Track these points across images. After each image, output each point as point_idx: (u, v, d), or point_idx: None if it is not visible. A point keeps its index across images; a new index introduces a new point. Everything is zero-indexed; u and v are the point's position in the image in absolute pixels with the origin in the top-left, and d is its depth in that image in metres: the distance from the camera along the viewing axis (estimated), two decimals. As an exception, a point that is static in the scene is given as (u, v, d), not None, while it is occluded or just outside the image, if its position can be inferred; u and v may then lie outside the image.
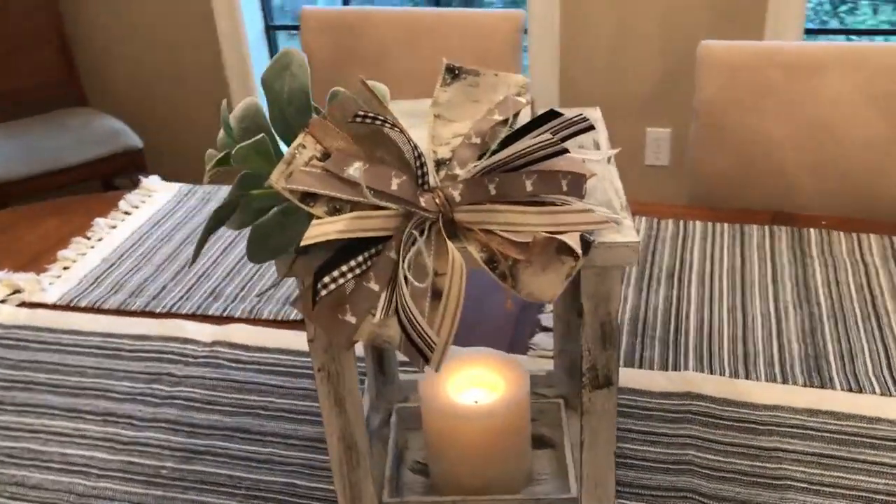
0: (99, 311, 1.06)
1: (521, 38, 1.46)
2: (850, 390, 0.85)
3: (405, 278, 0.51)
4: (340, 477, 0.66)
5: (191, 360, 0.96)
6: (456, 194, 0.53)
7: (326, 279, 0.50)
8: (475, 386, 0.76)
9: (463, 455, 0.75)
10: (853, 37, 2.85)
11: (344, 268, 0.50)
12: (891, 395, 0.84)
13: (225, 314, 1.04)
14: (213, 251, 1.17)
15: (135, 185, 1.38)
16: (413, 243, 0.52)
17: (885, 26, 3.31)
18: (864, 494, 0.74)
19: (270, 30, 2.79)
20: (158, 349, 0.98)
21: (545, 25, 2.31)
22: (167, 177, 1.43)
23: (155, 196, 1.35)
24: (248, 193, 0.52)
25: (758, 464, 0.78)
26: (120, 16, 2.74)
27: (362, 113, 0.51)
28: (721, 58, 1.25)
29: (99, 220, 1.26)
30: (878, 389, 0.85)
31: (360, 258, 0.51)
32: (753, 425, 0.82)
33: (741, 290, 1.01)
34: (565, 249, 0.52)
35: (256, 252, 0.52)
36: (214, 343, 0.98)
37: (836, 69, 1.21)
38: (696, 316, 0.98)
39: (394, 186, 0.52)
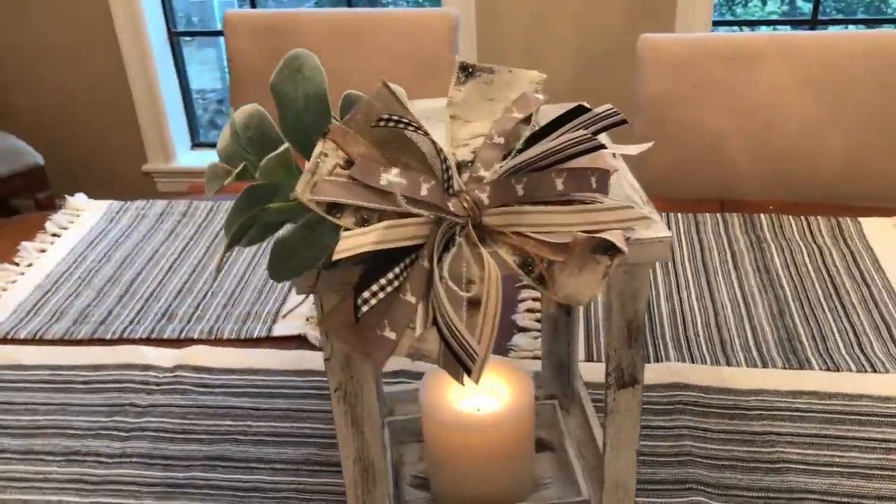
0: (42, 341, 0.98)
1: (456, 37, 1.45)
2: (828, 370, 0.87)
3: (442, 287, 0.48)
4: (355, 500, 0.63)
5: (154, 387, 0.90)
6: (484, 197, 0.51)
7: (366, 294, 0.47)
8: (478, 393, 0.74)
9: (468, 466, 0.72)
10: (762, 27, 2.96)
11: (383, 281, 0.47)
12: (867, 371, 0.86)
13: (182, 336, 0.98)
14: (158, 271, 1.10)
15: (39, 205, 1.29)
16: (445, 251, 0.50)
17: (775, 16, 3.46)
18: (860, 471, 0.75)
19: (174, 36, 2.68)
20: (115, 378, 0.91)
21: (462, 22, 2.31)
22: (75, 194, 1.35)
23: (83, 216, 1.26)
24: (266, 207, 0.49)
25: (754, 449, 0.78)
26: (12, 26, 2.58)
27: (386, 116, 0.48)
28: (662, 52, 1.27)
29: (25, 244, 1.18)
30: (853, 367, 0.87)
31: (397, 270, 0.48)
32: (742, 411, 0.83)
33: (706, 278, 1.03)
34: (601, 248, 0.51)
35: (280, 270, 0.48)
36: (177, 368, 0.93)
37: (773, 58, 1.24)
38: (667, 305, 0.98)
39: (423, 192, 0.49)
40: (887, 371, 0.86)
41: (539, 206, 0.51)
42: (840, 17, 2.86)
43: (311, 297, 1.03)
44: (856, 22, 2.83)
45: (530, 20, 2.33)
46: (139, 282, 1.08)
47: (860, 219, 1.12)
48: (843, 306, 0.96)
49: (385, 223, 0.48)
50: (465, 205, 0.50)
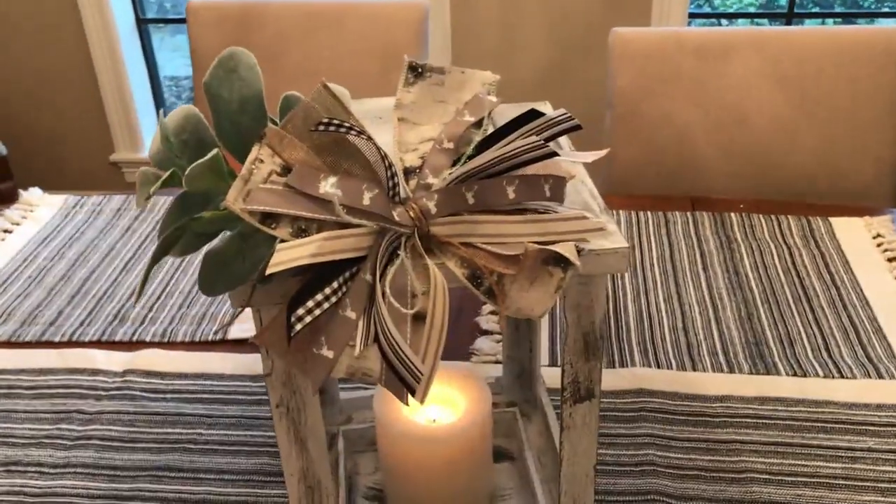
0: (-13, 344, 0.95)
1: (426, 28, 1.42)
2: (795, 375, 0.85)
3: (384, 302, 0.46)
4: (301, 519, 0.60)
5: (102, 393, 0.87)
6: (431, 206, 0.48)
7: (301, 311, 0.44)
8: (432, 403, 0.71)
9: (424, 478, 0.70)
10: (739, 20, 2.95)
11: (319, 296, 0.44)
12: (833, 377, 0.85)
13: (135, 339, 0.95)
14: (112, 270, 1.07)
15: (1, 196, 1.25)
16: (389, 263, 0.47)
17: (752, 9, 3.45)
18: (825, 480, 0.74)
19: (142, 23, 2.62)
20: (63, 384, 0.88)
21: (436, 9, 2.27)
22: (40, 185, 1.31)
23: (37, 211, 1.22)
24: (198, 217, 0.46)
25: (717, 458, 0.76)
26: (-29, 12, 2.52)
27: (326, 120, 0.46)
28: (633, 45, 1.24)
29: (-25, 241, 1.14)
30: (821, 373, 0.85)
31: (335, 284, 0.45)
32: (707, 418, 0.81)
33: (674, 279, 1.01)
34: (553, 260, 0.48)
35: (212, 283, 0.45)
36: (126, 372, 0.89)
37: (744, 53, 1.22)
38: (634, 307, 0.96)
39: (366, 201, 0.46)
40: (854, 376, 0.84)
41: (490, 216, 0.48)
42: (817, 10, 2.85)
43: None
44: (833, 16, 2.82)
45: (503, 11, 2.30)
46: (92, 281, 1.05)
47: (831, 219, 1.10)
48: (812, 309, 0.95)
49: (324, 234, 0.45)
50: (412, 214, 0.48)
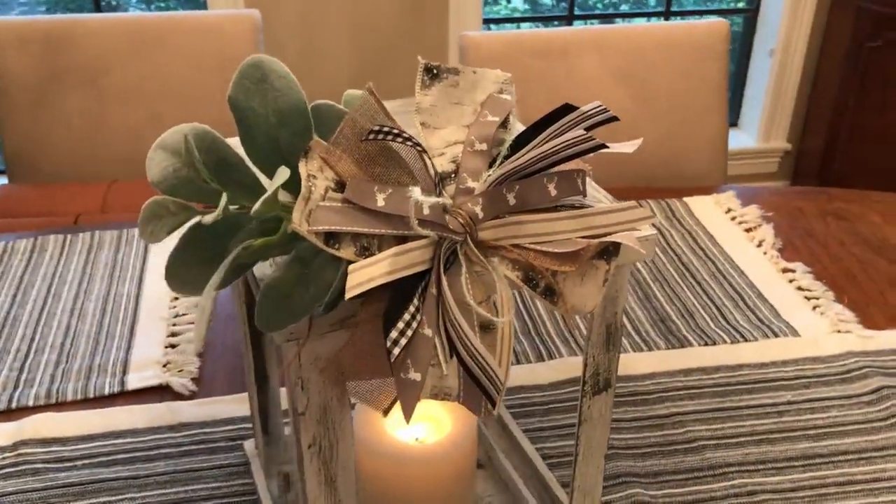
0: None
1: (260, 39, 1.35)
2: (706, 344, 0.91)
3: (459, 314, 0.43)
4: (324, 565, 0.55)
5: (-4, 473, 0.75)
6: (478, 210, 0.46)
7: (394, 334, 0.40)
8: (416, 421, 0.68)
9: (411, 498, 0.67)
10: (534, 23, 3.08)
11: (406, 316, 0.41)
12: (739, 342, 0.92)
13: (14, 406, 0.82)
14: (-41, 330, 0.92)
15: None
16: (450, 272, 0.44)
17: (518, 14, 3.64)
18: (764, 436, 0.79)
19: None
20: (-59, 470, 0.75)
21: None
22: None
23: None
24: (247, 245, 0.40)
25: (667, 432, 0.80)
26: None
27: (377, 128, 0.42)
28: (484, 49, 1.27)
29: None
30: (727, 339, 0.92)
31: (416, 301, 0.42)
32: (643, 396, 0.85)
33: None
34: (597, 253, 0.48)
35: (271, 318, 0.41)
36: (18, 444, 0.77)
37: (585, 52, 1.29)
38: (542, 301, 0.98)
39: (426, 211, 0.43)
40: (756, 338, 0.92)
41: (534, 215, 0.47)
42: (598, 12, 3.03)
43: (163, 341, 0.90)
44: (616, 16, 3.00)
45: (304, 22, 2.25)
46: (-64, 347, 0.90)
47: (686, 199, 1.20)
48: (699, 283, 1.02)
49: (393, 250, 0.42)
50: (461, 220, 0.45)
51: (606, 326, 0.55)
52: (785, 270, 1.05)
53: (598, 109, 0.49)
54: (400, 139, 0.43)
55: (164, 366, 0.88)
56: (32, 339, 0.91)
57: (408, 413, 0.41)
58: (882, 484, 0.74)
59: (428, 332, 0.43)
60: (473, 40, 1.28)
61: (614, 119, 0.49)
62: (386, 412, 0.44)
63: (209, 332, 0.93)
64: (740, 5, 2.76)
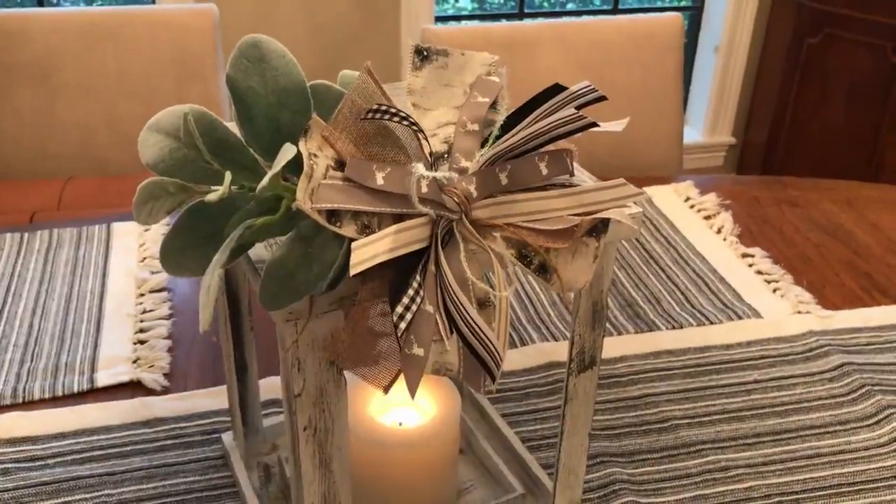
0: None
1: (217, 34, 1.34)
2: (673, 328, 0.93)
3: (460, 290, 0.44)
4: (317, 550, 0.55)
5: (-35, 474, 0.73)
6: (472, 189, 0.47)
7: (400, 309, 0.41)
8: (398, 405, 0.69)
9: (393, 483, 0.67)
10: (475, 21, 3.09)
11: (410, 291, 0.41)
12: (704, 324, 0.94)
13: (-21, 406, 0.80)
14: (-84, 331, 0.89)
15: None
16: (447, 250, 0.45)
17: (466, 13, 3.65)
18: (734, 414, 0.82)
19: None
20: None
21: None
22: None
23: None
24: (249, 224, 0.40)
25: (640, 412, 0.82)
26: None
27: (376, 107, 0.43)
28: (443, 42, 1.28)
29: None
30: (693, 322, 0.94)
31: (419, 278, 0.42)
32: (615, 378, 0.86)
33: (536, 259, 1.05)
34: (587, 231, 0.49)
35: (276, 296, 0.40)
36: (-14, 445, 0.76)
37: (547, 44, 1.30)
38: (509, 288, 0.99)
39: (424, 189, 0.44)
40: (720, 321, 0.94)
41: (528, 194, 0.48)
42: (546, 9, 3.06)
43: (131, 337, 0.89)
44: (564, 14, 3.03)
45: (257, 14, 2.23)
46: None
47: (645, 189, 1.22)
48: (662, 269, 1.04)
49: (394, 227, 0.42)
50: (456, 199, 0.46)
51: (593, 304, 0.56)
52: (744, 255, 1.07)
53: (587, 89, 0.49)
54: (397, 118, 0.44)
55: (135, 362, 0.86)
56: (-6, 339, 0.89)
57: (412, 388, 0.42)
58: (847, 455, 0.77)
59: (429, 308, 0.43)
60: (435, 33, 1.28)
61: (603, 98, 0.50)
62: (386, 390, 0.44)
63: (182, 325, 0.92)
64: (685, 3, 2.82)
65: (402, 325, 0.41)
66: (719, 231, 1.12)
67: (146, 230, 1.08)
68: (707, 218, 1.15)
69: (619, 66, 1.34)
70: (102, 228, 1.08)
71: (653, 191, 1.21)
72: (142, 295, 0.96)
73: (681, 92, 1.42)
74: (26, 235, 1.07)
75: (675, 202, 1.19)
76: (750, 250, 1.08)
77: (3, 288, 0.97)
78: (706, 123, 2.75)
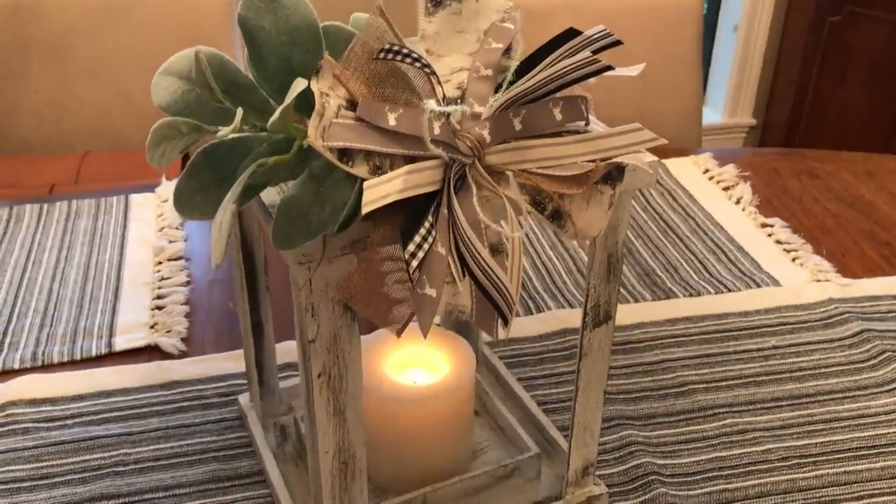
0: None
1: (233, 10, 1.34)
2: (691, 296, 0.93)
3: (473, 232, 0.43)
4: (332, 500, 0.55)
5: (-15, 433, 0.73)
6: (485, 134, 0.46)
7: (412, 247, 0.41)
8: (414, 366, 0.69)
9: (409, 441, 0.67)
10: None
11: (422, 230, 0.41)
12: (722, 292, 0.93)
13: (0, 369, 0.81)
14: (-63, 298, 0.90)
15: None
16: (459, 195, 0.45)
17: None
18: (752, 379, 0.81)
19: None
20: (-72, 432, 0.73)
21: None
22: None
23: None
24: (262, 163, 0.40)
25: (657, 377, 0.81)
26: None
27: (388, 47, 0.42)
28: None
29: None
30: (711, 290, 0.93)
31: (431, 218, 0.42)
32: (632, 345, 0.86)
33: (546, 229, 1.05)
34: (602, 178, 0.49)
35: (288, 236, 0.40)
36: (6, 405, 0.76)
37: (560, 17, 1.30)
38: (527, 259, 0.99)
39: (436, 131, 0.44)
40: (739, 289, 0.93)
41: (542, 140, 0.48)
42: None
43: (149, 304, 0.89)
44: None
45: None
46: (-85, 315, 0.88)
47: (664, 160, 1.21)
48: (680, 238, 1.03)
49: (406, 168, 0.42)
50: (468, 143, 0.46)
51: (608, 256, 0.56)
52: (763, 225, 1.06)
53: (602, 33, 0.49)
54: (409, 59, 0.43)
55: (152, 327, 0.87)
56: (14, 304, 0.90)
57: (425, 328, 0.42)
58: (867, 420, 0.76)
59: (441, 250, 0.43)
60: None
61: (619, 43, 0.49)
62: (399, 332, 0.44)
63: (200, 293, 0.93)
64: (704, -18, 2.79)
65: (414, 263, 0.41)
66: (738, 202, 1.11)
67: (164, 201, 1.08)
68: (726, 189, 1.14)
69: (635, 39, 1.33)
70: (121, 200, 1.09)
71: (671, 162, 1.20)
72: (160, 263, 0.97)
73: (700, 68, 1.40)
74: (45, 206, 1.07)
75: (694, 173, 1.18)
76: (769, 220, 1.07)
77: (24, 256, 0.98)
78: (726, 104, 2.72)
